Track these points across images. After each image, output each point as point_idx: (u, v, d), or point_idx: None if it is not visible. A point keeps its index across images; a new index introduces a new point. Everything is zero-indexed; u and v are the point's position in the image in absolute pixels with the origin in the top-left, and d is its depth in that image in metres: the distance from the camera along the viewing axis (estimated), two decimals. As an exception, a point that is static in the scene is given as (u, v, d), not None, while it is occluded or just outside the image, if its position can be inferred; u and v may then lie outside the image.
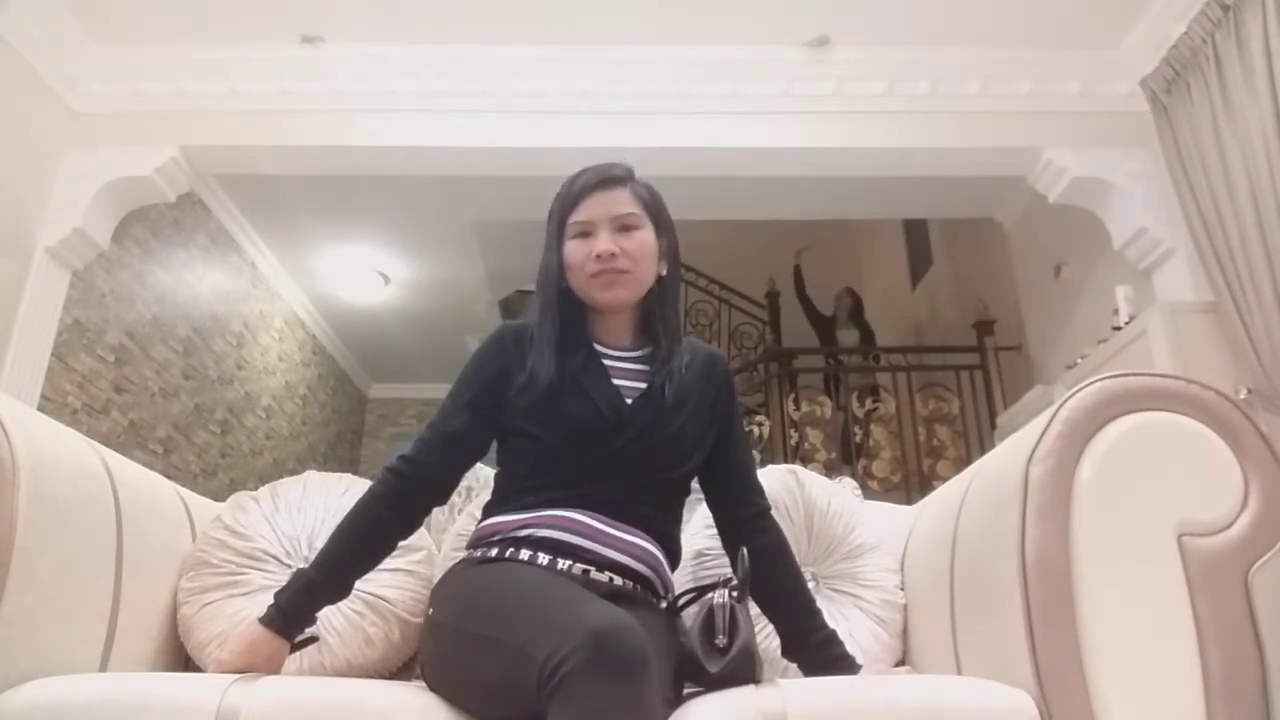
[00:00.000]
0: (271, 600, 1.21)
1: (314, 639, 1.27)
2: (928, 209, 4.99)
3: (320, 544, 1.50)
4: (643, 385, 1.32)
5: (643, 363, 1.35)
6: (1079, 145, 3.41)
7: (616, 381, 1.31)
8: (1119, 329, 3.25)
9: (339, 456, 7.08)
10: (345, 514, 1.27)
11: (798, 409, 4.87)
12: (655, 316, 1.37)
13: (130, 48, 3.43)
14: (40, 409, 2.77)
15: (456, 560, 1.32)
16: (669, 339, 1.36)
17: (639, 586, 1.24)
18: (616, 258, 1.29)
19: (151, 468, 1.57)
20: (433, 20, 3.34)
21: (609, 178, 1.34)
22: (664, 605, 1.30)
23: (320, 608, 1.24)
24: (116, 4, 3.26)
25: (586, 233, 1.31)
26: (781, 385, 5.08)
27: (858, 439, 4.85)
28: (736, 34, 3.41)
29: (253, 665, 1.14)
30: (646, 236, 1.33)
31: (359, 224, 5.08)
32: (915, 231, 6.30)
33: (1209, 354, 2.85)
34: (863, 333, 5.86)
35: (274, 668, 1.17)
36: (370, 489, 1.28)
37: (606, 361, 1.33)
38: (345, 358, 7.10)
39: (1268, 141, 2.60)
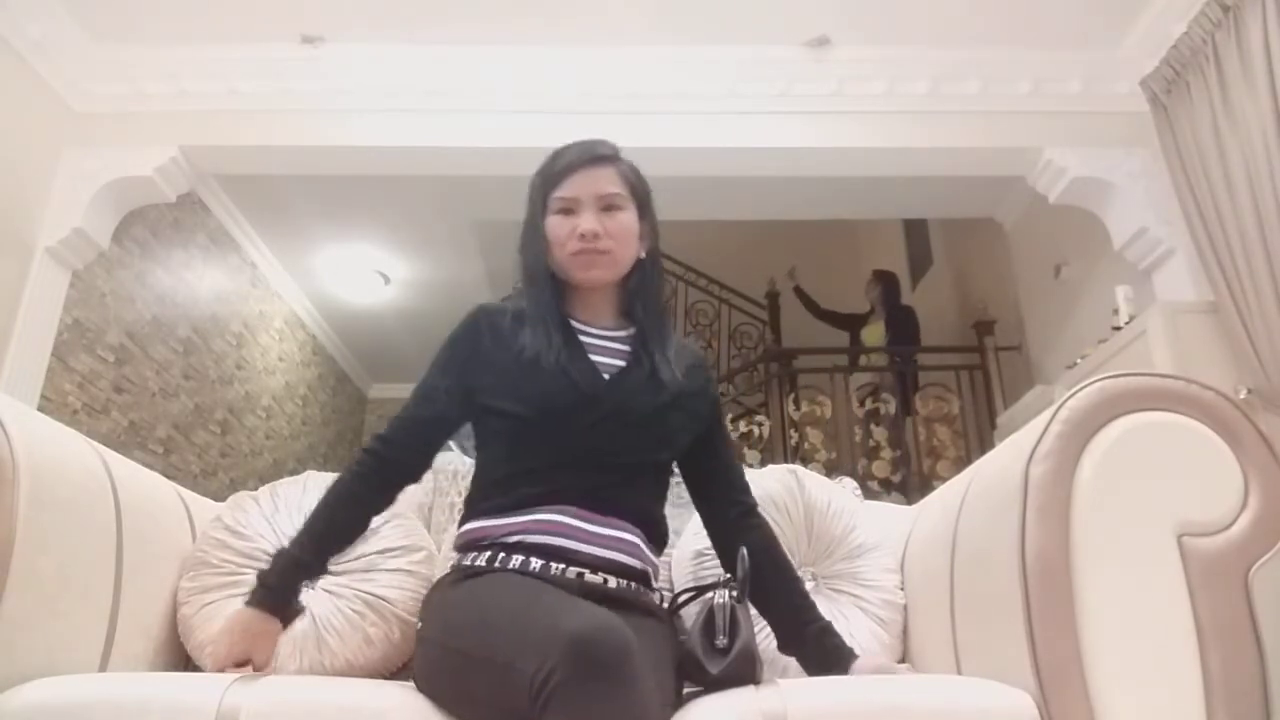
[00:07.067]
0: (256, 584, 1.21)
1: (300, 611, 1.30)
2: (928, 209, 4.99)
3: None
4: (621, 363, 1.32)
5: (624, 343, 1.35)
6: (1079, 145, 3.41)
7: (594, 358, 1.31)
8: (1119, 329, 3.25)
9: (339, 456, 7.07)
10: (324, 493, 1.29)
11: (798, 409, 4.87)
12: (635, 296, 1.37)
13: (130, 48, 3.43)
14: (40, 409, 2.77)
15: (447, 569, 1.30)
16: (652, 319, 1.36)
17: (634, 584, 1.23)
18: (599, 238, 1.29)
19: (151, 468, 1.57)
20: (433, 20, 3.34)
21: (596, 155, 1.33)
22: (658, 597, 1.29)
23: (301, 585, 1.26)
24: (116, 4, 3.26)
25: (570, 210, 1.31)
26: (781, 385, 5.08)
27: (858, 438, 4.84)
28: (736, 34, 3.41)
29: (249, 648, 1.14)
30: (629, 218, 1.32)
31: (359, 224, 5.08)
32: (915, 231, 6.30)
33: (1209, 354, 2.85)
34: (895, 323, 5.36)
35: (268, 647, 1.17)
36: (347, 468, 1.30)
37: (584, 339, 1.33)
38: (345, 358, 7.10)
39: (1268, 141, 2.60)
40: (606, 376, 1.29)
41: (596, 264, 1.30)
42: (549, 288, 1.33)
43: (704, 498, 1.40)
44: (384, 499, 1.31)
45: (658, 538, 1.31)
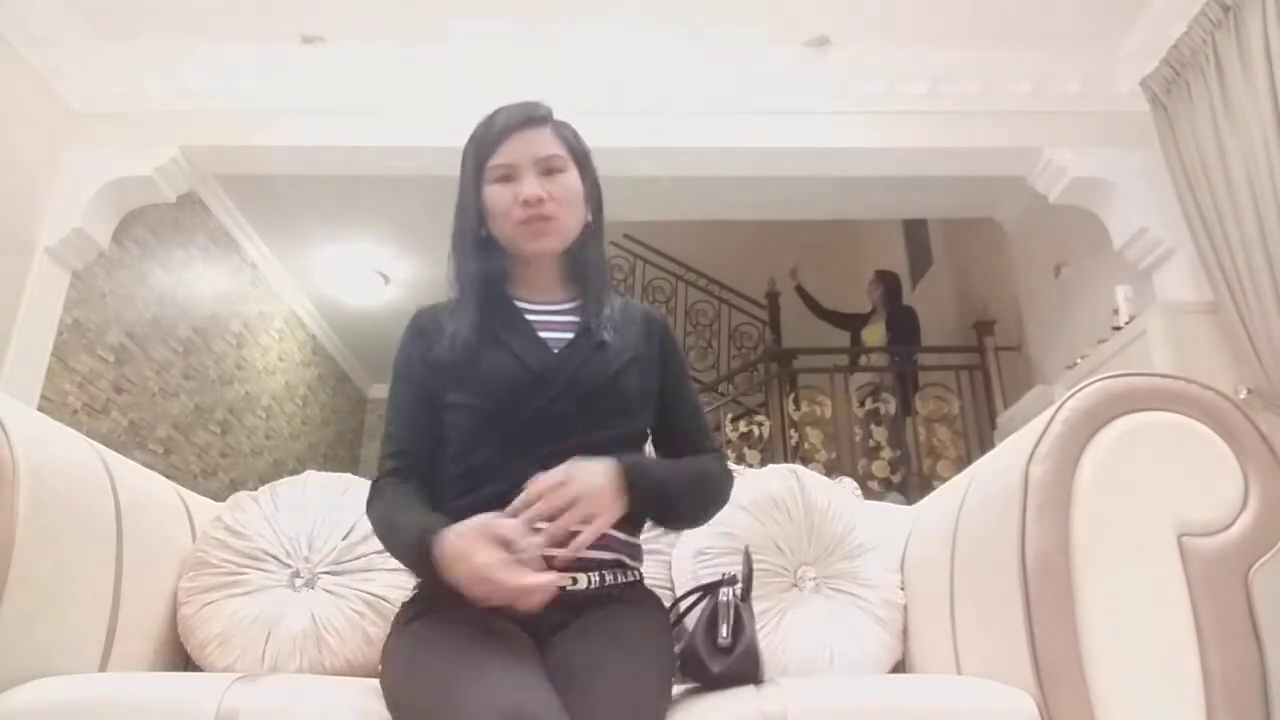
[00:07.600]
0: (415, 543, 1.09)
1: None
2: (928, 209, 4.98)
3: (320, 544, 1.50)
4: (570, 335, 1.25)
5: (572, 314, 1.29)
6: (1079, 145, 3.41)
7: (542, 334, 1.25)
8: (1119, 329, 3.25)
9: (339, 456, 7.08)
10: (383, 523, 1.19)
11: (798, 409, 4.87)
12: (582, 264, 1.31)
13: (130, 47, 3.43)
14: (40, 409, 2.77)
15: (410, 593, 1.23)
16: (597, 285, 1.30)
17: (606, 573, 1.16)
18: (544, 203, 1.22)
19: (151, 468, 1.57)
20: (433, 20, 3.34)
21: (531, 117, 1.27)
22: (637, 574, 1.23)
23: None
24: (116, 3, 3.26)
25: (509, 177, 1.23)
26: (781, 385, 5.08)
27: (858, 438, 4.84)
28: (736, 34, 3.41)
29: (482, 551, 1.02)
30: (572, 180, 1.26)
31: (359, 224, 5.08)
32: (915, 231, 6.30)
33: (1209, 354, 2.85)
34: (897, 322, 5.35)
35: (480, 544, 1.02)
36: (382, 501, 1.21)
37: (530, 316, 1.27)
38: (345, 358, 7.10)
39: (1268, 141, 2.61)
40: (556, 351, 1.23)
41: (546, 231, 1.23)
42: (479, 273, 1.25)
43: (669, 451, 1.32)
44: (423, 496, 1.22)
45: (630, 518, 1.20)
